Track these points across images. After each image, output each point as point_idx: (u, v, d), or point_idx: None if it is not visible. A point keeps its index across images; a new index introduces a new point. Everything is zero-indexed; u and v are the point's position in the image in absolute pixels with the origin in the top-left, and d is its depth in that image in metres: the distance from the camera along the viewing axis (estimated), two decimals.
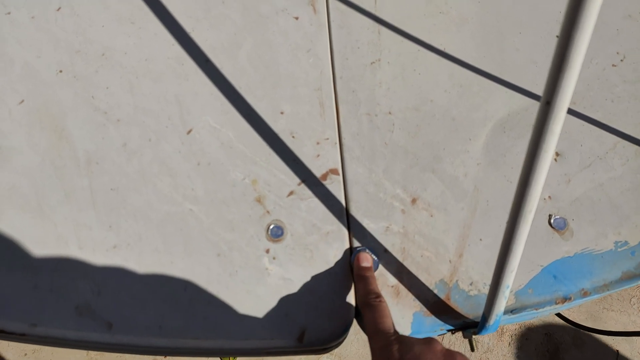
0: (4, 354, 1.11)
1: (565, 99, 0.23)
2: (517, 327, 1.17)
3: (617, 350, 1.15)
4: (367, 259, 0.42)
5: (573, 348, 1.15)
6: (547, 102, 0.24)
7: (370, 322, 0.37)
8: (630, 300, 1.23)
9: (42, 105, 0.42)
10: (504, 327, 1.17)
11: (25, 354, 1.10)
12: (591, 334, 1.15)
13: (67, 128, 0.42)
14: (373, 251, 0.43)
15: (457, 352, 0.33)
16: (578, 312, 1.20)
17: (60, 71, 0.44)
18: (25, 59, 0.43)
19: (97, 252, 0.40)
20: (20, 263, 0.38)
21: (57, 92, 0.43)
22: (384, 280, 0.42)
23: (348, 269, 0.42)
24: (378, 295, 0.39)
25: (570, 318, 0.86)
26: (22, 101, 0.42)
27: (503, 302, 0.34)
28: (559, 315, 0.80)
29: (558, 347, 1.14)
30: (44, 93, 0.43)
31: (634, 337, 1.16)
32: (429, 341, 0.33)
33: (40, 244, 0.39)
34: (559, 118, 0.24)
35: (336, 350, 1.06)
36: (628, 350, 1.16)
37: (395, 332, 0.35)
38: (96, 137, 0.42)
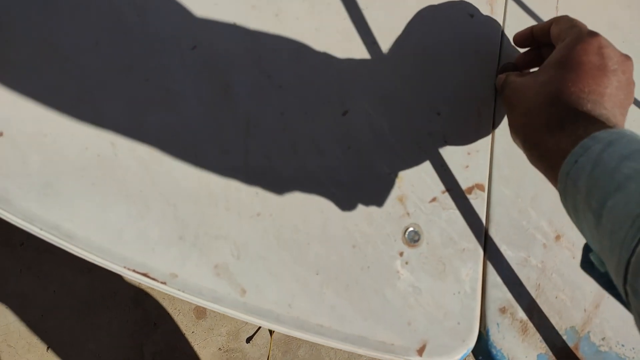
0: (35, 290, 1.16)
1: None
2: None
3: None
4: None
5: None
6: None
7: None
8: None
9: (211, 57, 0.41)
10: None
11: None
12: None
13: (231, 84, 0.41)
14: (507, 281, 0.41)
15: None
16: None
17: (235, 23, 0.43)
18: (202, 4, 0.42)
19: (242, 216, 0.39)
20: (171, 211, 0.38)
21: (227, 43, 0.42)
22: (514, 313, 0.41)
23: (478, 291, 0.41)
24: None
25: None
26: (195, 47, 0.41)
27: None
28: None
29: None
30: (215, 42, 0.42)
31: None
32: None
33: (191, 196, 0.39)
34: None
35: None
36: None
37: None
38: (258, 99, 0.42)
